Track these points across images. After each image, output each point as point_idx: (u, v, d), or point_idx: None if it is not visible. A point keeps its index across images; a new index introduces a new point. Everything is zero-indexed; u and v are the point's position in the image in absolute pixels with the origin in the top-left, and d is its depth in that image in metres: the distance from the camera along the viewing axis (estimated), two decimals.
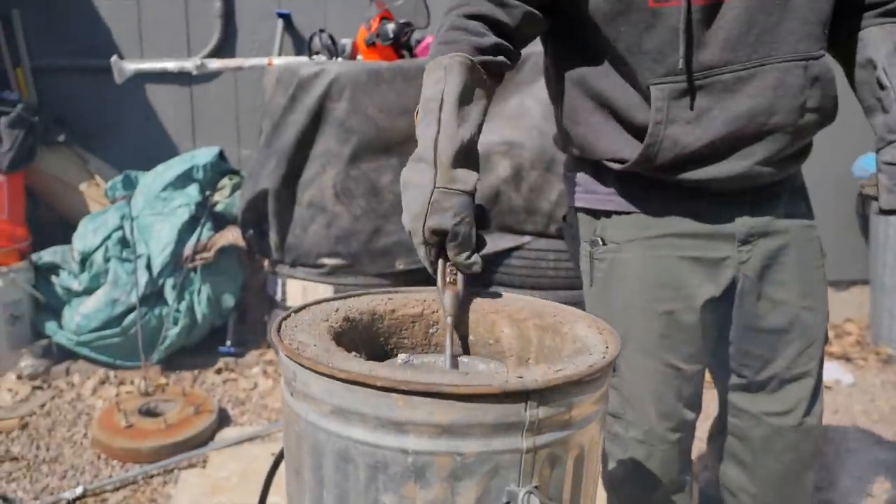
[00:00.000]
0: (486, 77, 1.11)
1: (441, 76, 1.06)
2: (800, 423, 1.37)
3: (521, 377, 0.74)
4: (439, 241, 0.98)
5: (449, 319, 0.99)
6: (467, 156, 1.03)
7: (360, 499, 0.75)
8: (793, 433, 1.38)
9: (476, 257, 0.99)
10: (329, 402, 0.76)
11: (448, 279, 1.01)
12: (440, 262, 1.00)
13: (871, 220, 3.55)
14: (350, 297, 1.09)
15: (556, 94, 1.33)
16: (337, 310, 1.03)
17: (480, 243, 1.01)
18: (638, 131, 1.22)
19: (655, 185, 1.25)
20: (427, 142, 1.02)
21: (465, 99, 1.06)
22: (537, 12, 1.17)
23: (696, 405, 1.38)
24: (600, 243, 1.31)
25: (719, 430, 1.50)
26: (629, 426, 1.35)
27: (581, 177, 1.34)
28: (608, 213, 1.30)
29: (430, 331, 1.11)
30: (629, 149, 1.22)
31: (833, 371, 2.96)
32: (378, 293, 1.11)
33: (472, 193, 1.01)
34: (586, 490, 0.82)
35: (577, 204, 1.36)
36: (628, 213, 1.29)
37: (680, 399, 1.33)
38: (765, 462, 1.41)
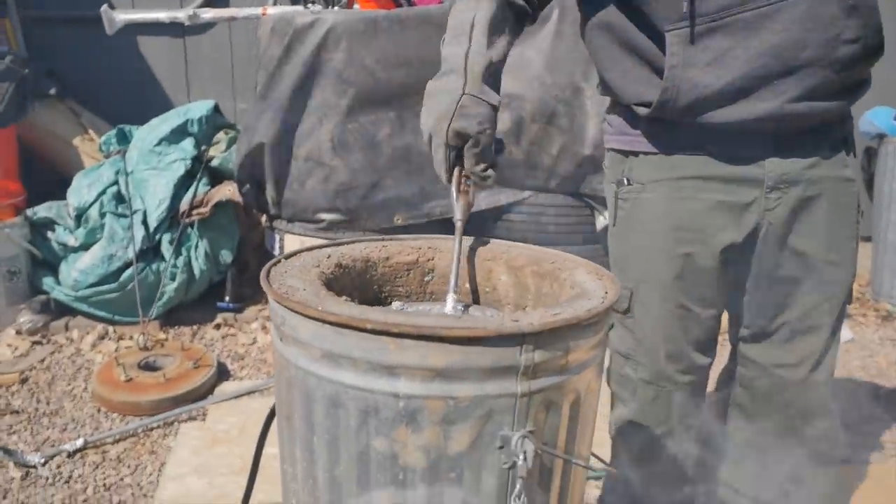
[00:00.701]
0: (514, 15, 1.14)
1: (473, 5, 1.10)
2: (806, 378, 1.35)
3: (516, 320, 0.72)
4: (460, 146, 1.00)
5: (459, 224, 1.00)
6: (493, 76, 1.06)
7: (350, 444, 0.74)
8: (797, 387, 1.36)
9: (491, 171, 1.01)
10: (319, 347, 0.74)
11: (462, 188, 1.02)
12: (456, 171, 1.02)
13: (876, 177, 3.51)
14: (343, 244, 1.06)
15: (589, 41, 1.31)
16: (329, 256, 1.00)
17: (495, 161, 1.03)
18: (661, 75, 1.19)
19: (681, 128, 1.22)
20: (457, 57, 1.05)
21: (494, 27, 1.09)
22: None
23: (708, 350, 1.36)
24: (626, 183, 1.30)
25: (727, 380, 1.49)
26: (638, 367, 1.34)
27: (614, 119, 1.34)
28: (636, 154, 1.29)
29: (426, 279, 1.09)
30: (652, 94, 1.20)
31: None
32: (372, 240, 1.09)
33: (496, 109, 1.03)
34: (582, 436, 0.81)
35: (609, 145, 1.36)
36: (655, 153, 1.27)
37: (690, 342, 1.32)
38: (767, 413, 1.40)
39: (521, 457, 0.70)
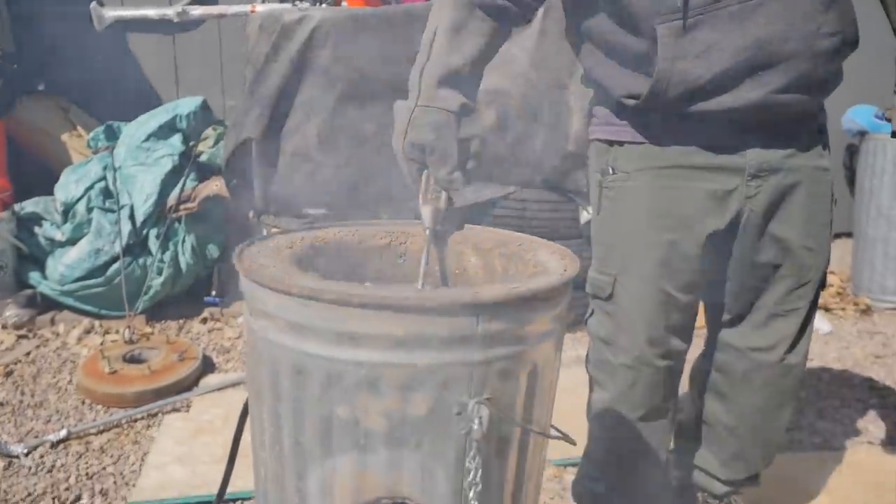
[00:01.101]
0: (486, 15, 1.15)
1: (436, 13, 1.14)
2: (781, 360, 1.40)
3: (475, 293, 0.74)
4: (420, 157, 1.04)
5: (427, 232, 1.02)
6: (455, 81, 1.09)
7: (314, 410, 0.76)
8: (773, 369, 1.41)
9: (457, 174, 1.03)
10: (285, 318, 0.77)
11: (430, 195, 1.04)
12: (423, 177, 1.05)
13: (857, 174, 3.56)
14: (317, 228, 1.09)
15: (575, 47, 1.36)
16: (302, 238, 1.03)
17: (461, 163, 1.05)
18: (648, 71, 1.22)
19: (669, 118, 1.26)
20: (416, 70, 1.09)
21: (456, 31, 1.11)
22: None
23: (686, 336, 1.40)
24: (611, 172, 1.34)
25: (702, 366, 1.53)
26: (619, 352, 1.37)
27: (599, 110, 1.38)
28: (621, 143, 1.33)
29: (399, 261, 1.12)
30: (641, 86, 1.24)
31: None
32: (345, 224, 1.11)
33: (455, 113, 1.06)
34: (540, 406, 0.83)
35: (594, 136, 1.40)
36: (641, 143, 1.31)
37: (670, 327, 1.36)
38: (744, 396, 1.45)
39: (477, 422, 0.73)
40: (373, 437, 0.75)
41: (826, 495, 1.78)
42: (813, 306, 1.41)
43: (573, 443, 0.85)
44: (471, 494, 0.72)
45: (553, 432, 0.84)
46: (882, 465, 1.93)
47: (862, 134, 3.53)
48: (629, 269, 1.34)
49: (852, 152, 3.75)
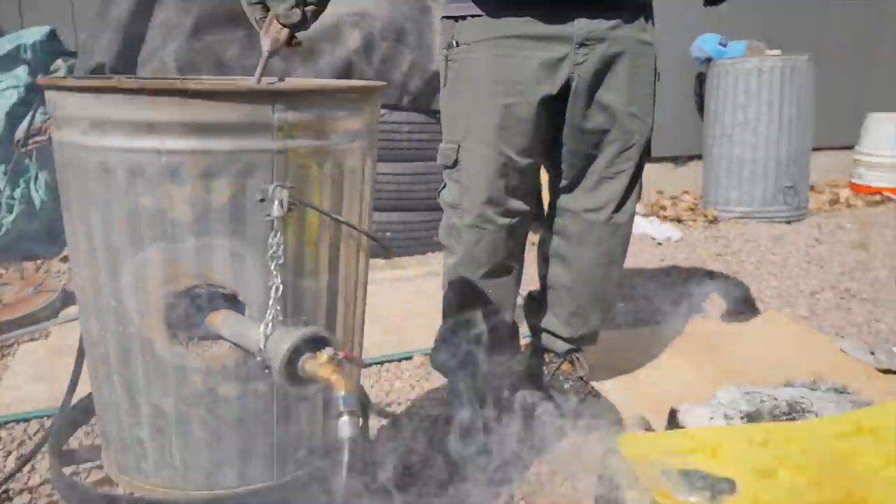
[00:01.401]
0: None
1: None
2: (609, 219, 1.55)
3: (271, 83, 0.78)
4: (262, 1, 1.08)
5: (266, 52, 1.05)
6: None
7: (122, 207, 0.78)
8: (603, 228, 1.56)
9: (296, 10, 1.07)
10: (86, 117, 0.78)
11: (272, 30, 1.08)
12: (267, 18, 1.08)
13: (705, 98, 3.85)
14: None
15: None
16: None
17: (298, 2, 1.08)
18: None
19: None
20: None
21: None
22: None
23: (527, 199, 1.52)
24: (455, 45, 1.44)
25: (546, 237, 1.65)
26: (464, 214, 1.48)
27: None
28: (464, 18, 1.43)
29: None
30: None
31: (666, 231, 3.26)
32: (170, 77, 1.11)
33: None
34: (351, 209, 0.89)
35: (441, 15, 1.49)
36: (479, 15, 1.41)
37: (510, 188, 1.47)
38: (579, 255, 1.59)
39: (277, 203, 0.77)
40: (180, 226, 0.78)
41: (663, 357, 1.98)
42: (638, 169, 1.56)
43: (388, 248, 0.91)
44: (272, 266, 0.77)
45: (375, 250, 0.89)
46: (711, 332, 2.16)
47: (708, 61, 3.82)
48: (471, 134, 1.44)
49: (701, 80, 4.05)
